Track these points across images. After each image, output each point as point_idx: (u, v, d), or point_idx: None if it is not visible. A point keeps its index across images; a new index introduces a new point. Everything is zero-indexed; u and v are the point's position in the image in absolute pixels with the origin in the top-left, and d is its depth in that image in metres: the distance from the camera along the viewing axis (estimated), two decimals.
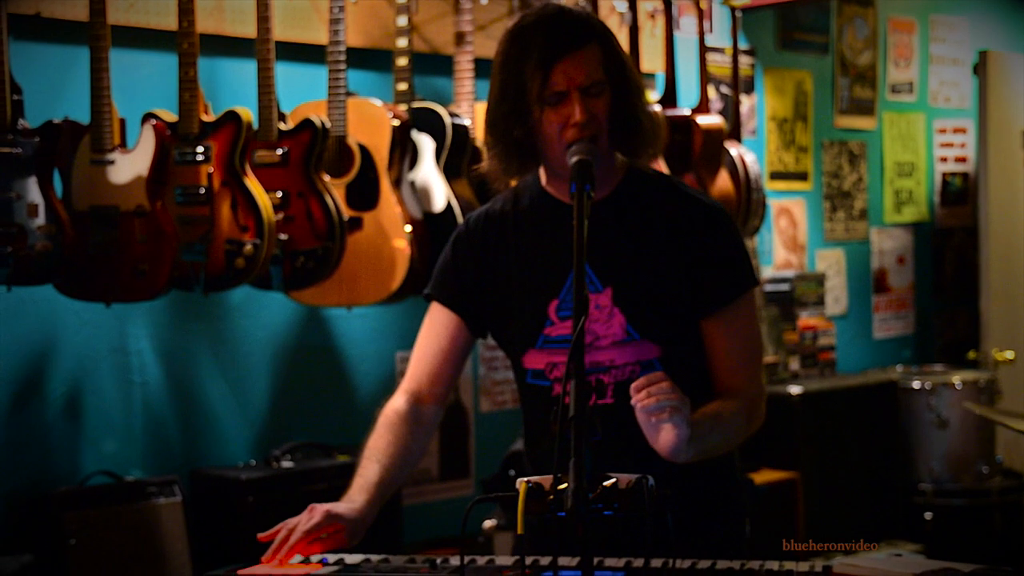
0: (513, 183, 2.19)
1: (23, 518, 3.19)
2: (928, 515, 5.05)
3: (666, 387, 1.78)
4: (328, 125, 3.29)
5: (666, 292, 2.04)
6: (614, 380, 2.04)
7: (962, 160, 6.30)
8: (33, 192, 2.94)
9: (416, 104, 3.59)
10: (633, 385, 1.80)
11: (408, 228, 3.43)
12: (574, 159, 1.92)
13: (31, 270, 2.94)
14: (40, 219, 2.93)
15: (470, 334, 2.18)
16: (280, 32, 3.38)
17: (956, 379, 5.16)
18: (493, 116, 2.04)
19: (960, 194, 6.28)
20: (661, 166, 3.88)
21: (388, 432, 2.10)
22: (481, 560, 1.87)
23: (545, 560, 1.81)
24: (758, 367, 2.12)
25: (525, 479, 1.59)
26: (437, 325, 2.17)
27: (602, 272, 2.04)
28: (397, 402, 2.15)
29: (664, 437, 1.78)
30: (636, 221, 2.07)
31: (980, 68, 5.83)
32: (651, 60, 4.47)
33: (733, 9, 4.63)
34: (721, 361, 2.07)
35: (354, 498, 2.01)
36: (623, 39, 3.84)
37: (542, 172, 2.12)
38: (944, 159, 6.24)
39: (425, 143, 3.57)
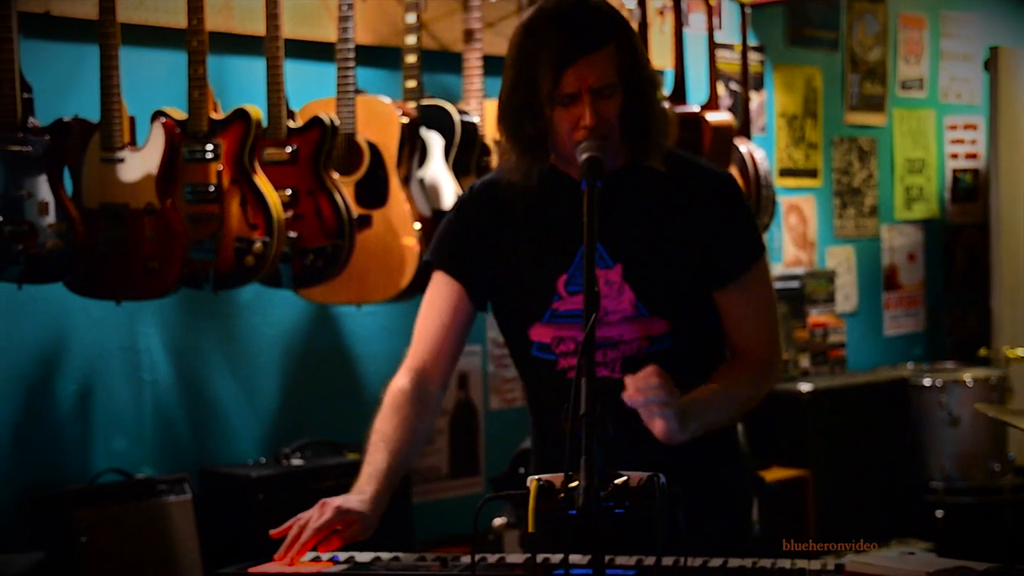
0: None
1: (34, 516, 3.19)
2: (939, 513, 5.03)
3: (654, 383, 1.82)
4: (337, 123, 3.29)
5: (677, 267, 2.04)
6: (621, 355, 2.03)
7: (973, 156, 6.28)
8: (44, 190, 2.94)
9: (425, 101, 3.59)
10: (626, 379, 1.83)
11: (417, 225, 3.43)
12: (584, 156, 1.91)
13: (42, 268, 2.94)
14: (51, 217, 2.93)
15: (472, 305, 2.14)
16: (289, 30, 3.38)
17: (967, 376, 5.14)
18: (505, 110, 2.03)
19: (971, 190, 6.26)
20: None
21: (394, 415, 2.07)
22: (492, 558, 1.87)
23: (556, 558, 1.81)
24: (775, 330, 2.12)
25: (536, 477, 1.59)
26: (439, 299, 2.13)
27: (612, 248, 2.03)
28: (401, 381, 2.11)
29: (657, 426, 1.84)
30: (646, 196, 2.06)
31: (991, 64, 5.81)
32: (660, 57, 4.46)
33: (742, 5, 4.62)
34: (738, 329, 2.08)
35: (364, 488, 1.99)
36: None
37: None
38: (955, 155, 6.22)
39: (434, 140, 3.57)
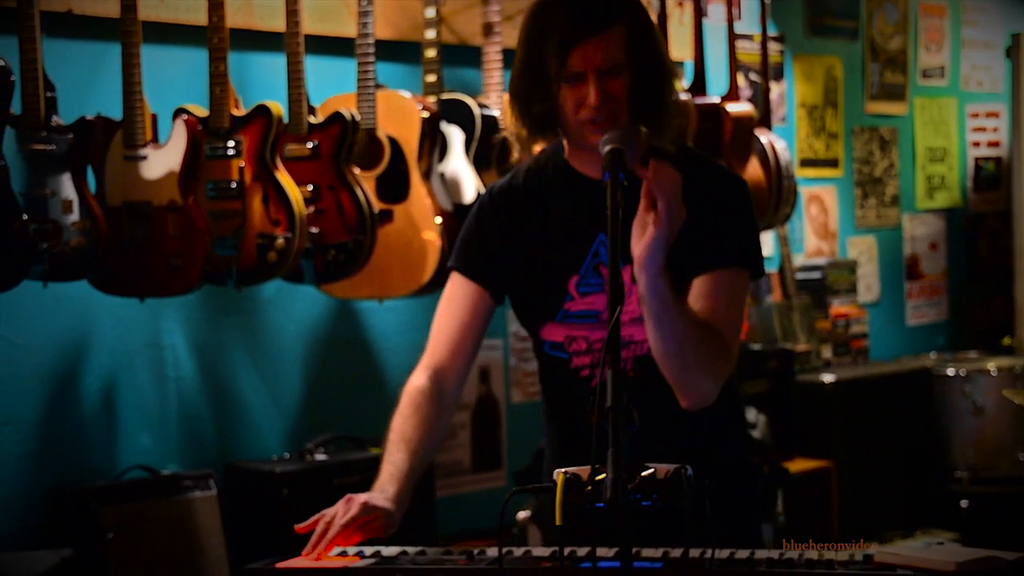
0: (537, 148, 2.17)
1: (61, 513, 3.21)
2: (964, 503, 5.01)
3: (678, 187, 1.83)
4: (358, 118, 3.29)
5: (683, 269, 2.01)
6: (632, 355, 2.03)
7: (995, 144, 6.24)
8: (67, 188, 2.95)
9: (445, 96, 3.59)
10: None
11: (438, 220, 3.43)
12: (607, 148, 1.89)
13: (66, 266, 2.96)
14: (74, 215, 2.95)
15: (492, 302, 2.15)
16: (309, 26, 3.39)
17: (991, 366, 5.11)
18: (515, 88, 2.05)
19: (993, 179, 6.22)
20: None
21: (413, 414, 2.08)
22: (518, 551, 1.87)
23: (583, 551, 1.81)
24: (735, 334, 2.01)
25: (563, 470, 1.59)
26: (458, 297, 2.14)
27: (622, 249, 2.02)
28: (419, 380, 2.11)
29: (646, 234, 1.83)
30: None
31: (1013, 51, 5.77)
32: (679, 48, 4.45)
33: None
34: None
35: (385, 488, 2.00)
36: None
37: (565, 144, 2.10)
38: (977, 144, 6.18)
39: (454, 134, 3.57)
